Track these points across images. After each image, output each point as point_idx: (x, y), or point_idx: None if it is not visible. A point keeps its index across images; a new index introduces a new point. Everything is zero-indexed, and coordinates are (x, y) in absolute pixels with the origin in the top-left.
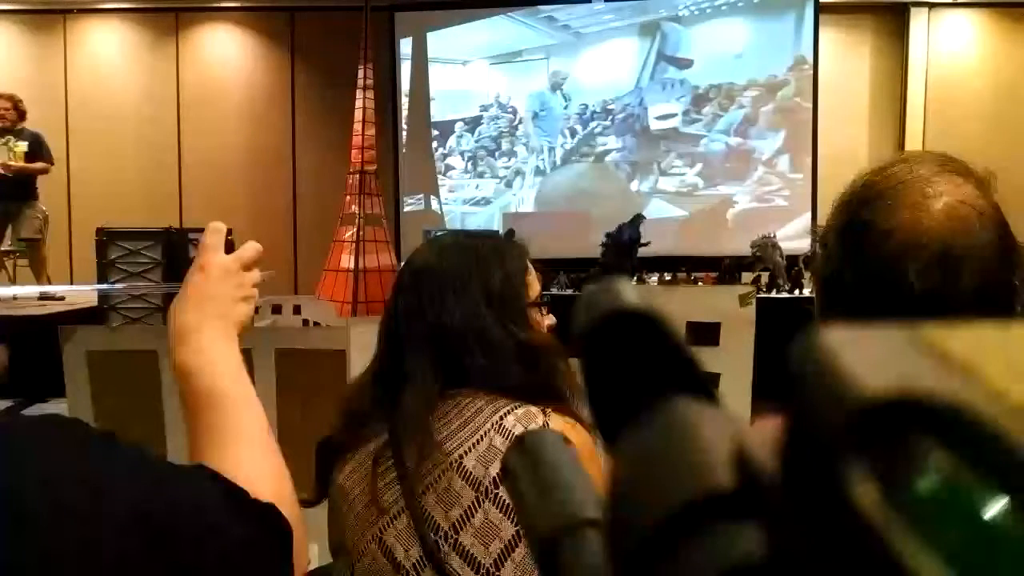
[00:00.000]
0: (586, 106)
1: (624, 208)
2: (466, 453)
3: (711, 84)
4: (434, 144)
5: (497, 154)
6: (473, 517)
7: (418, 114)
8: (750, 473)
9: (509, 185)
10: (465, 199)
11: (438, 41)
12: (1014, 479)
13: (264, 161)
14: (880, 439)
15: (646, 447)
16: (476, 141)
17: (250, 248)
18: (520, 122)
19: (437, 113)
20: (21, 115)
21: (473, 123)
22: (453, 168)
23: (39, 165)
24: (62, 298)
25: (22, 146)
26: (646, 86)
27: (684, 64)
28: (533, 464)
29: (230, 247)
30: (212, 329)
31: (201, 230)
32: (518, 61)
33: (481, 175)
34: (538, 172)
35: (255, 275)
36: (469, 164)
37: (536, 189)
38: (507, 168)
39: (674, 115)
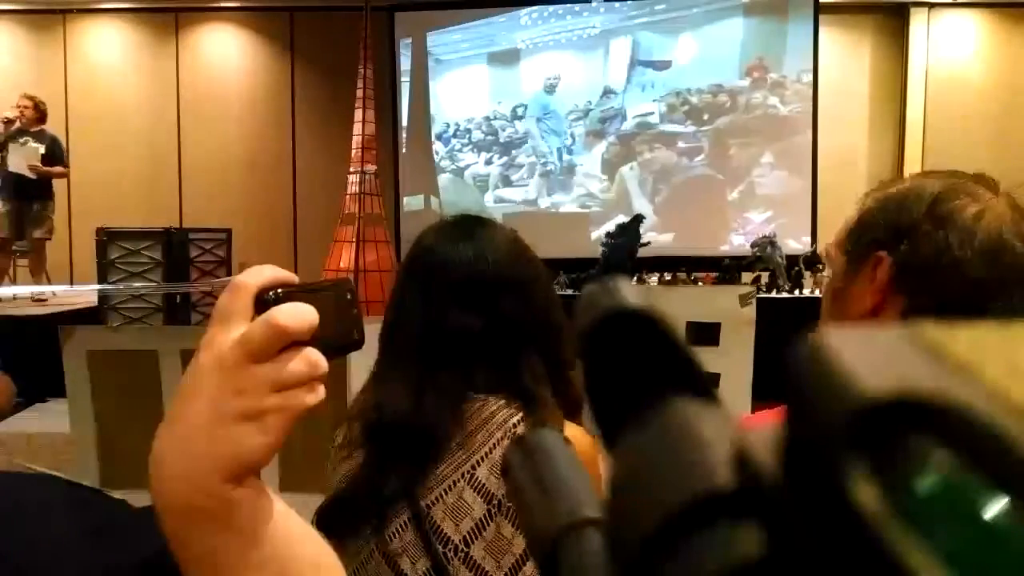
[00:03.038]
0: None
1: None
2: (478, 464)
3: (710, 82)
4: (434, 144)
5: None
6: (484, 531)
7: (418, 114)
8: (750, 473)
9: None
10: None
11: (438, 41)
12: (1014, 479)
13: (264, 161)
14: (880, 439)
15: (646, 447)
16: None
17: (263, 325)
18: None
19: (437, 113)
20: (41, 117)
21: None
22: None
23: (58, 170)
24: (45, 299)
25: (39, 148)
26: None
27: (663, 65)
28: (533, 464)
29: (229, 250)
30: (172, 495)
31: (202, 230)
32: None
33: None
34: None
35: (284, 367)
36: None
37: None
38: None
39: (650, 112)
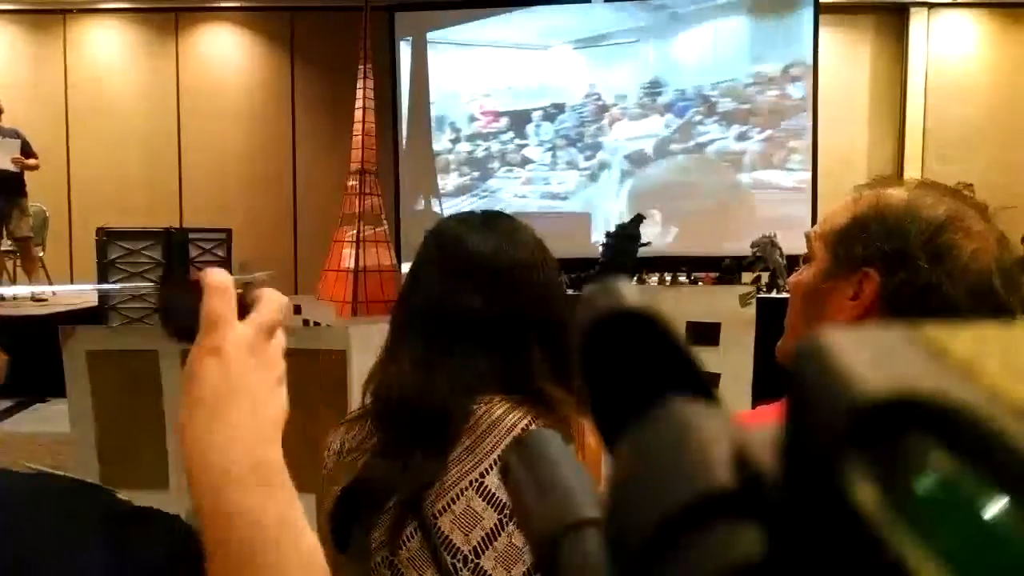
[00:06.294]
0: (683, 91)
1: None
2: (487, 472)
3: (710, 84)
4: (435, 145)
5: (580, 146)
6: (495, 540)
7: (418, 114)
8: (750, 473)
9: (594, 179)
10: (543, 193)
11: (437, 40)
12: (1014, 479)
13: (264, 161)
14: (880, 439)
15: (646, 447)
16: (556, 131)
17: (269, 303)
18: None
19: (438, 110)
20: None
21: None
22: (531, 160)
23: (34, 161)
24: (45, 299)
25: (16, 142)
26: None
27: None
28: (533, 464)
29: (229, 250)
30: (245, 469)
31: (202, 230)
32: (604, 45)
33: (555, 167)
34: (633, 162)
35: (280, 340)
36: (548, 156)
37: (629, 182)
38: (590, 161)
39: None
